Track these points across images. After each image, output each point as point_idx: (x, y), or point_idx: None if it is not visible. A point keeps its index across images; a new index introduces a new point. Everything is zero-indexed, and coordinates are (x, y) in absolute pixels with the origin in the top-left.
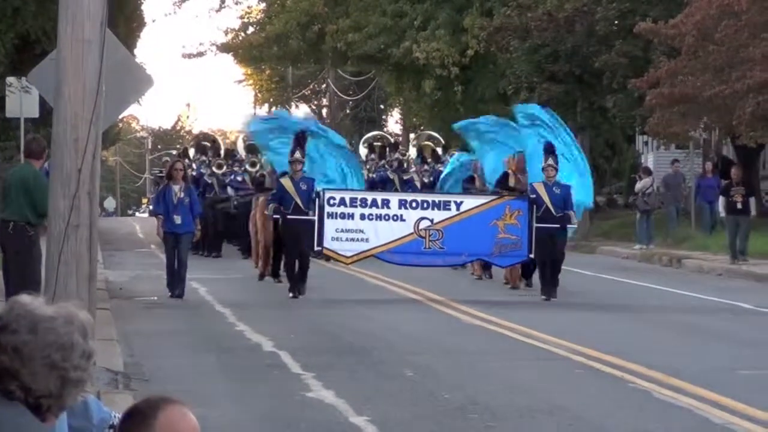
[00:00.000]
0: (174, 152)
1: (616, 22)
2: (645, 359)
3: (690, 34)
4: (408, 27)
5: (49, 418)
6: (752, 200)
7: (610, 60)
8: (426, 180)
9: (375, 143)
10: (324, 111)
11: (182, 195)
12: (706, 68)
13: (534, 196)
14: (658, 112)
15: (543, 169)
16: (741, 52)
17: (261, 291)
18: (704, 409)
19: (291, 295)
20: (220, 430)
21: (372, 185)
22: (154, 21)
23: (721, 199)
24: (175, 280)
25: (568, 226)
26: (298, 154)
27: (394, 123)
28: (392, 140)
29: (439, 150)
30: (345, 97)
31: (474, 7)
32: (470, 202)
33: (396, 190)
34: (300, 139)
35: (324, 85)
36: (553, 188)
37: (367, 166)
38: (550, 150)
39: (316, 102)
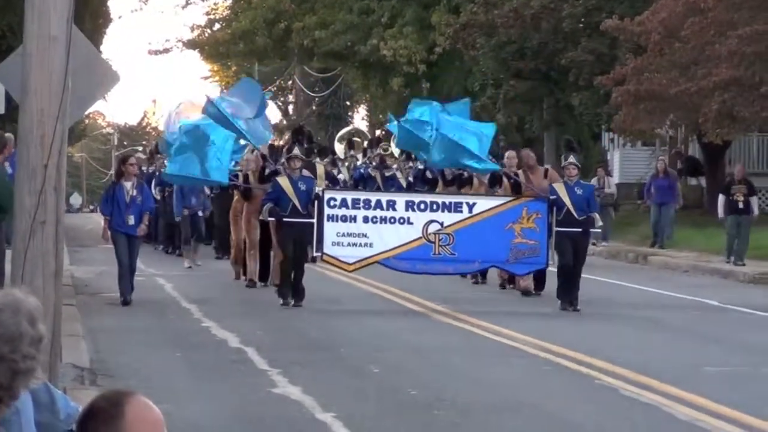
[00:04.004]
0: (140, 148)
1: (582, 19)
2: (611, 356)
3: (656, 31)
4: (375, 24)
5: (1, 409)
6: (754, 199)
7: (576, 57)
8: (410, 179)
9: (354, 139)
10: (290, 107)
11: (135, 193)
12: (672, 65)
13: (554, 197)
14: (624, 109)
15: (563, 167)
16: (707, 50)
17: (227, 288)
18: (670, 406)
19: (282, 302)
20: (186, 426)
21: (354, 184)
22: (120, 17)
23: (721, 198)
24: (127, 285)
25: (592, 230)
26: (296, 150)
27: (360, 120)
28: (369, 136)
29: None
30: (311, 93)
31: (441, 4)
32: (484, 203)
33: (378, 189)
34: (297, 134)
35: (290, 82)
36: (575, 189)
37: (346, 164)
38: (570, 147)
39: (282, 98)
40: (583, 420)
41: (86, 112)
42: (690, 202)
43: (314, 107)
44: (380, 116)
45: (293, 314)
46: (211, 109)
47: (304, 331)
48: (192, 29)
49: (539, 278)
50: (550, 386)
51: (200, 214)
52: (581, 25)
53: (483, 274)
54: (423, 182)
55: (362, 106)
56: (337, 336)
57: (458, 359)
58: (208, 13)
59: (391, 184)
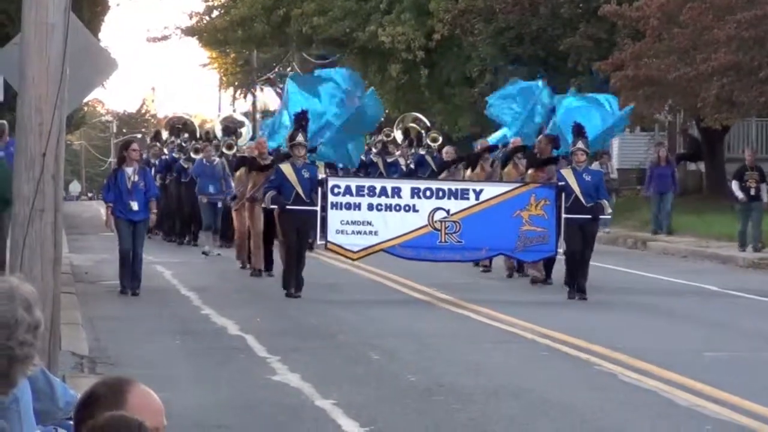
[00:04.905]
0: (139, 136)
1: (580, 4)
2: (610, 342)
3: (654, 16)
4: (373, 10)
5: None
6: (764, 186)
7: (575, 43)
8: (411, 164)
9: None
10: None
11: (137, 178)
12: (671, 51)
13: (562, 183)
14: (623, 94)
15: (572, 153)
16: (705, 35)
17: (226, 275)
18: (669, 391)
19: (286, 293)
20: (186, 413)
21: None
22: (118, 5)
23: (735, 184)
24: (131, 275)
25: (601, 216)
26: (300, 138)
27: None
28: None
29: (423, 132)
30: None
31: None
32: (491, 190)
33: (381, 175)
34: (301, 120)
35: (289, 69)
36: (583, 175)
37: None
38: (579, 132)
39: (281, 85)
40: (582, 406)
41: (85, 100)
42: (689, 188)
43: None
44: None
45: (292, 302)
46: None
47: (304, 319)
48: (190, 16)
49: (547, 266)
50: (549, 372)
51: (219, 205)
52: (580, 11)
53: (489, 261)
54: (432, 171)
55: None
56: (336, 323)
57: (457, 345)
58: (206, 0)
59: (393, 171)
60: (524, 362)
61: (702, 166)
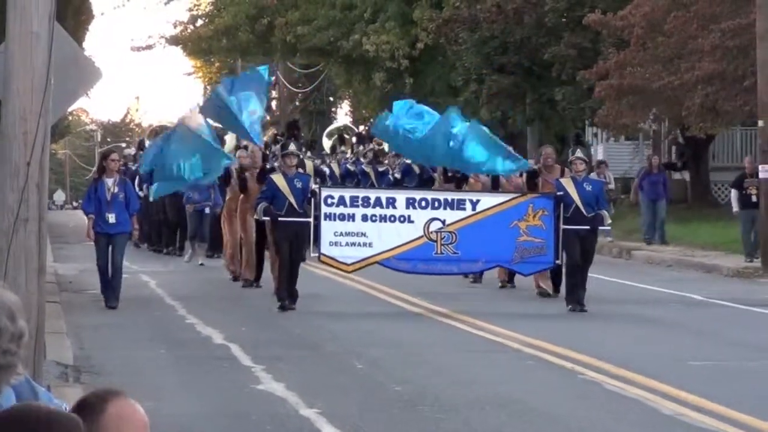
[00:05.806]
0: (123, 145)
1: (564, 13)
2: (595, 351)
3: (639, 25)
4: (357, 19)
5: None
6: None
7: (559, 52)
8: (397, 176)
9: (345, 135)
10: (273, 103)
11: (116, 190)
12: (655, 59)
13: (561, 193)
14: (608, 103)
15: (570, 162)
16: (690, 43)
17: (211, 284)
18: (654, 400)
19: (280, 305)
20: (170, 422)
21: (341, 179)
22: (102, 14)
23: (734, 193)
24: (110, 289)
25: (601, 227)
26: (292, 147)
27: (343, 115)
28: (358, 131)
29: None
30: (294, 89)
31: (423, 0)
32: (488, 200)
33: (372, 185)
34: (293, 129)
35: (273, 78)
36: (584, 185)
37: (337, 158)
38: (578, 141)
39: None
40: (567, 415)
41: (69, 109)
42: (674, 197)
43: (298, 103)
44: (363, 112)
45: (278, 311)
46: (215, 102)
47: (289, 328)
48: (175, 25)
49: (554, 279)
50: (534, 381)
51: (206, 211)
52: (564, 20)
53: (479, 273)
54: (419, 179)
55: (346, 101)
56: (321, 332)
57: (442, 355)
58: (190, 9)
59: (385, 179)
60: (510, 372)
61: (687, 175)
